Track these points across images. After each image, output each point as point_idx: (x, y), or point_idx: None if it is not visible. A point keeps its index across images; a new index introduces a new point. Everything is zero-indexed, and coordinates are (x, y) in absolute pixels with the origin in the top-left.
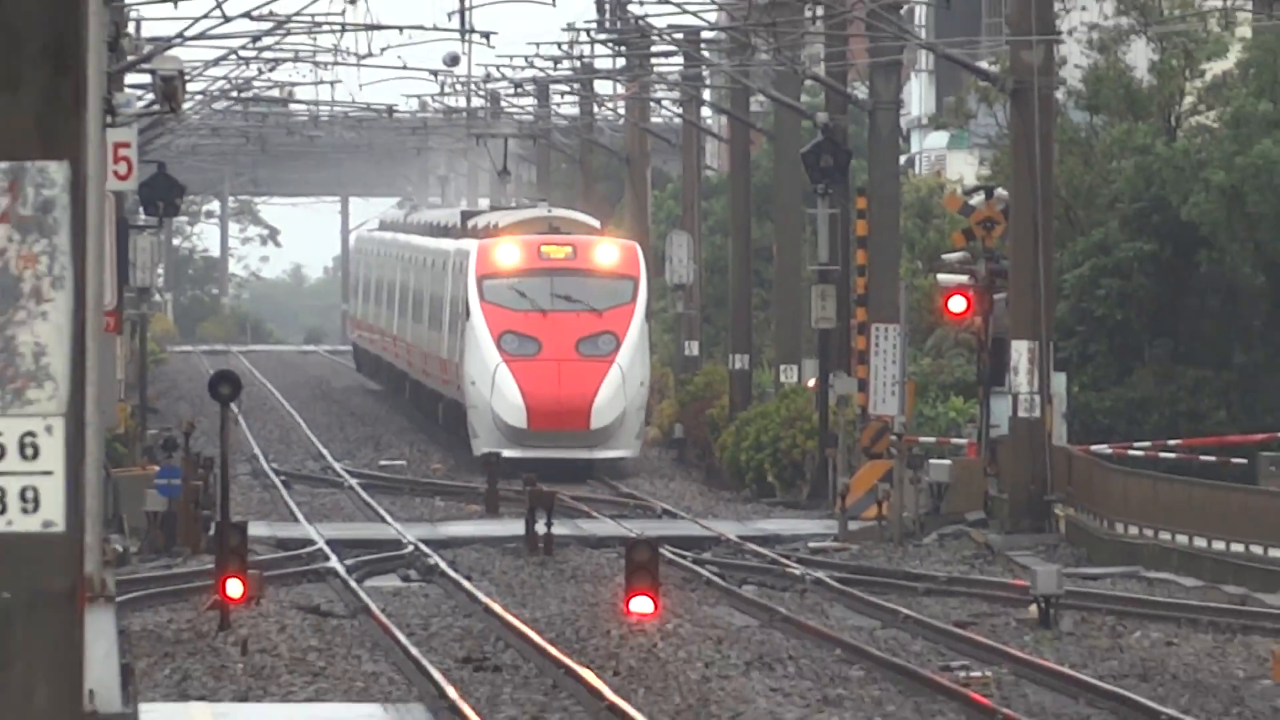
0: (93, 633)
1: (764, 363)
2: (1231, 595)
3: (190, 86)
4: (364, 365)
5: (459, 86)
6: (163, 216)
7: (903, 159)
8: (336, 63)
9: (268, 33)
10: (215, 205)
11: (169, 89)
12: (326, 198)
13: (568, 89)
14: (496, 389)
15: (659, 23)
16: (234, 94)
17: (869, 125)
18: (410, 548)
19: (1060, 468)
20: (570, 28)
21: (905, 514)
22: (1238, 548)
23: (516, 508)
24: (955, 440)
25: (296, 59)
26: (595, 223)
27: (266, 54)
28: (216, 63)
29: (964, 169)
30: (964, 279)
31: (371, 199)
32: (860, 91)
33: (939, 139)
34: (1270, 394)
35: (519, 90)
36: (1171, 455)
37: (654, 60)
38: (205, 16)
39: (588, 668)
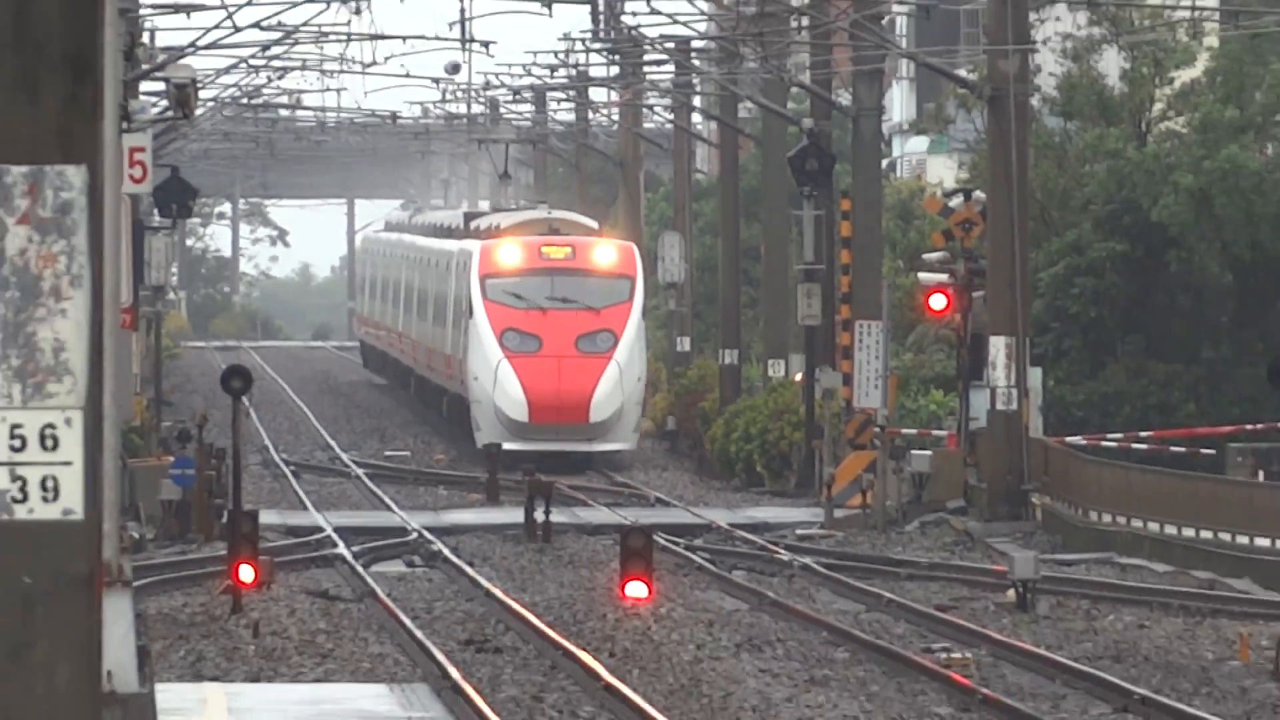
0: (111, 616)
1: (752, 358)
2: (1201, 580)
3: (202, 94)
4: (371, 361)
5: (460, 93)
6: (176, 218)
7: (885, 163)
8: (342, 71)
9: (277, 42)
10: (227, 207)
11: (182, 96)
12: (333, 200)
13: (564, 96)
14: (499, 384)
15: (651, 33)
16: (244, 101)
17: (852, 130)
18: (414, 535)
19: (1037, 458)
20: (566, 37)
21: (888, 502)
22: (1206, 534)
23: (516, 496)
24: (936, 432)
25: (304, 67)
26: (593, 224)
27: (275, 63)
28: (227, 71)
29: (943, 172)
30: (944, 278)
31: (376, 201)
32: (844, 98)
33: (919, 144)
34: (1237, 388)
35: (517, 97)
36: (1143, 446)
37: (646, 68)
38: (217, 27)
39: (585, 649)
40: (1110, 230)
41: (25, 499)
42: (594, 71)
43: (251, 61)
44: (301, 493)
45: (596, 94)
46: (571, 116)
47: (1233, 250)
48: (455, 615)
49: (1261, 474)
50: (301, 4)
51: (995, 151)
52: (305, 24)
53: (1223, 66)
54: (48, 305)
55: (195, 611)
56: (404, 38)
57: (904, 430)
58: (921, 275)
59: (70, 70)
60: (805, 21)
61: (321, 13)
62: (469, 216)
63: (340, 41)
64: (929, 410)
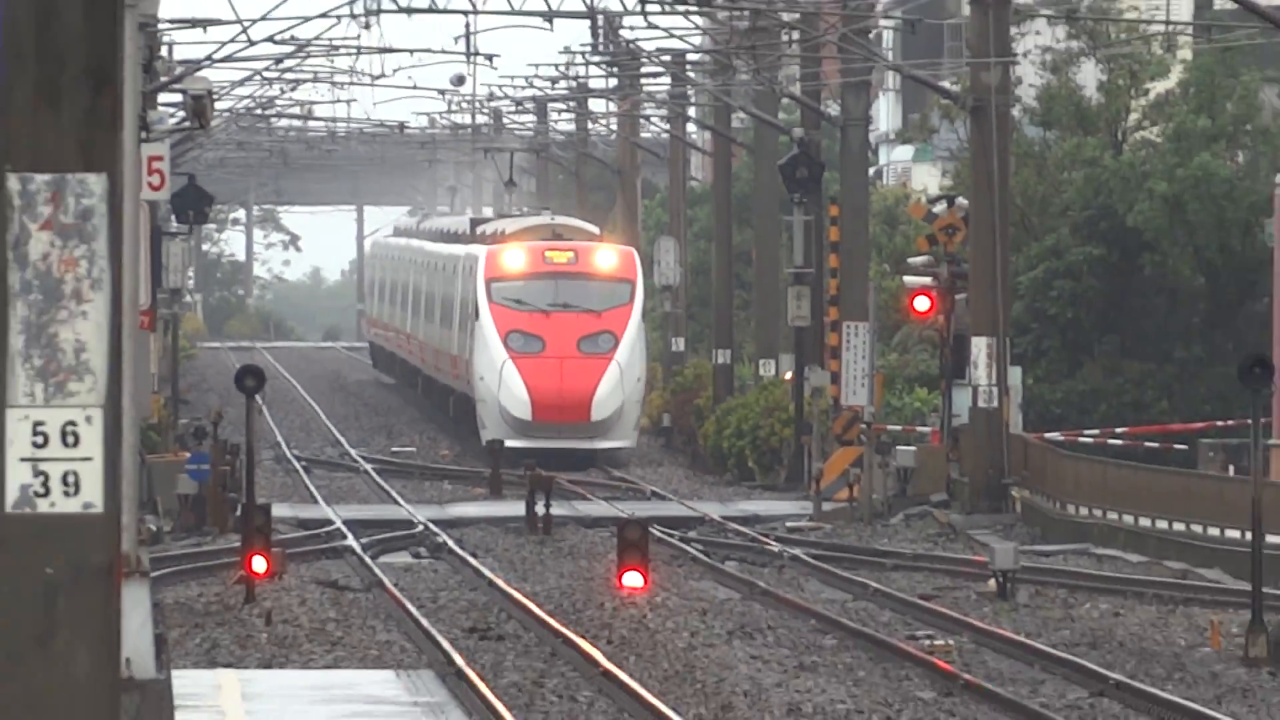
0: (129, 605)
1: (744, 357)
2: (1173, 570)
3: (218, 105)
4: (380, 361)
5: (465, 104)
6: (193, 224)
7: (871, 170)
8: (352, 83)
9: (289, 55)
10: (241, 213)
11: (198, 107)
12: (343, 206)
13: (564, 107)
14: (504, 383)
15: (648, 46)
16: (258, 111)
17: (840, 140)
18: (420, 527)
19: (1016, 454)
20: (567, 50)
21: (874, 496)
22: (1179, 527)
23: (518, 490)
24: (920, 428)
25: (315, 79)
26: (595, 230)
27: (288, 75)
28: (242, 83)
29: (928, 180)
30: (928, 281)
31: (384, 208)
32: (832, 109)
33: (905, 152)
34: (1208, 386)
35: (520, 108)
36: (1118, 442)
37: (643, 80)
38: (232, 41)
39: (583, 637)
40: (1087, 235)
41: (48, 493)
42: (593, 83)
43: (265, 74)
44: (312, 487)
45: (596, 105)
46: (572, 126)
47: (1204, 254)
48: (459, 604)
49: (1232, 469)
50: (313, 19)
51: (977, 160)
52: (317, 38)
53: (1195, 78)
54: (69, 307)
55: (210, 601)
56: (411, 51)
57: (889, 427)
58: (906, 278)
59: (91, 82)
60: (795, 35)
61: (332, 27)
62: (475, 222)
63: (350, 55)
64: (913, 408)
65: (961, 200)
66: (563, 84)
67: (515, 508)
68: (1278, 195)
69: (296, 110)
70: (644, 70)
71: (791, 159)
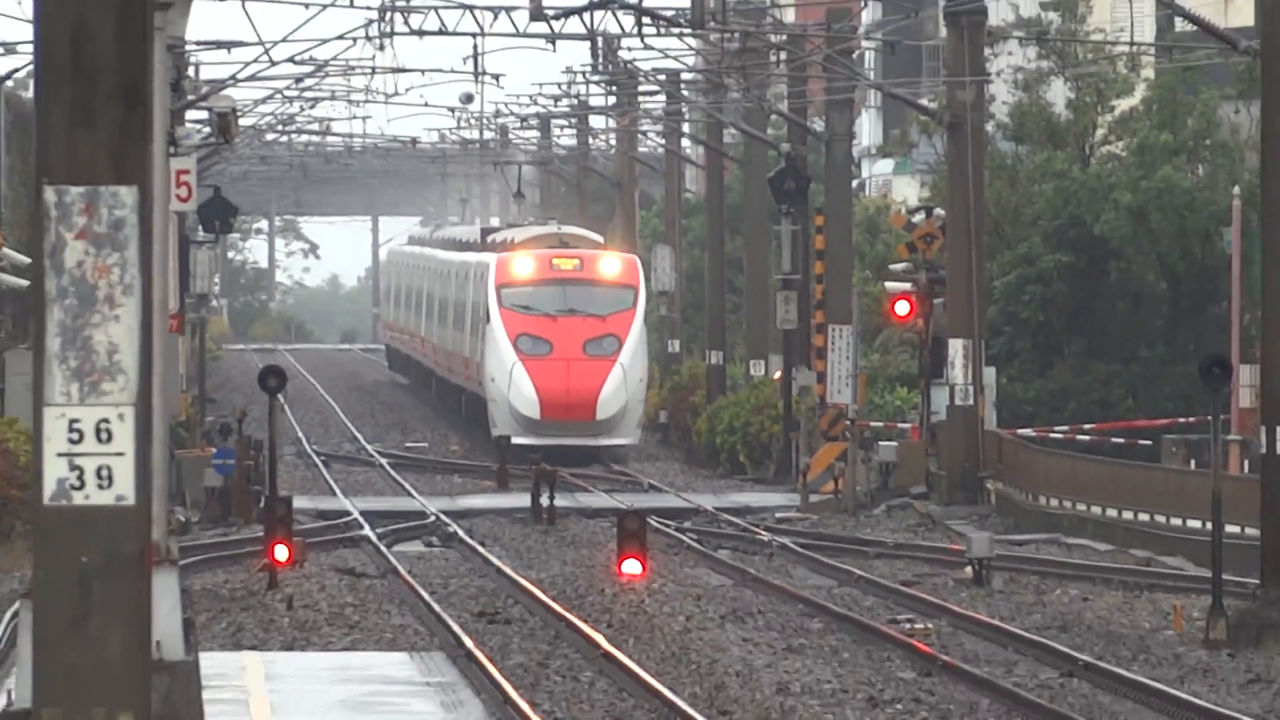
0: (159, 591)
1: (736, 358)
2: (1138, 558)
3: (242, 121)
4: (395, 363)
5: (473, 121)
6: (218, 233)
7: (854, 183)
8: (368, 100)
9: (308, 75)
10: (264, 223)
11: (223, 123)
12: (359, 217)
13: (567, 123)
14: (513, 384)
15: (645, 66)
16: (279, 128)
17: (825, 154)
18: (432, 518)
19: (991, 449)
20: (569, 70)
21: (858, 488)
22: (1144, 517)
23: (524, 483)
24: (901, 425)
25: (333, 97)
26: (599, 238)
27: (307, 93)
28: (264, 101)
29: (907, 191)
30: (907, 286)
31: (398, 218)
32: (818, 125)
33: (886, 166)
34: (1171, 385)
35: (525, 124)
36: (1086, 438)
37: (641, 98)
38: (255, 61)
39: (585, 621)
40: (1057, 243)
41: (83, 486)
42: (593, 101)
43: (286, 93)
44: (331, 480)
45: (596, 121)
46: (573, 141)
47: (1167, 261)
48: (469, 590)
49: (1193, 462)
50: (331, 40)
51: (954, 172)
52: (334, 59)
53: (1158, 96)
54: (103, 312)
55: (235, 587)
56: (423, 71)
57: (872, 423)
58: (888, 284)
59: (123, 100)
60: (783, 56)
61: (349, 48)
62: (485, 232)
63: (366, 74)
64: (894, 405)
65: (939, 211)
66: (565, 102)
67: (521, 499)
68: (1235, 206)
69: (315, 126)
70: (641, 89)
71: (780, 172)
